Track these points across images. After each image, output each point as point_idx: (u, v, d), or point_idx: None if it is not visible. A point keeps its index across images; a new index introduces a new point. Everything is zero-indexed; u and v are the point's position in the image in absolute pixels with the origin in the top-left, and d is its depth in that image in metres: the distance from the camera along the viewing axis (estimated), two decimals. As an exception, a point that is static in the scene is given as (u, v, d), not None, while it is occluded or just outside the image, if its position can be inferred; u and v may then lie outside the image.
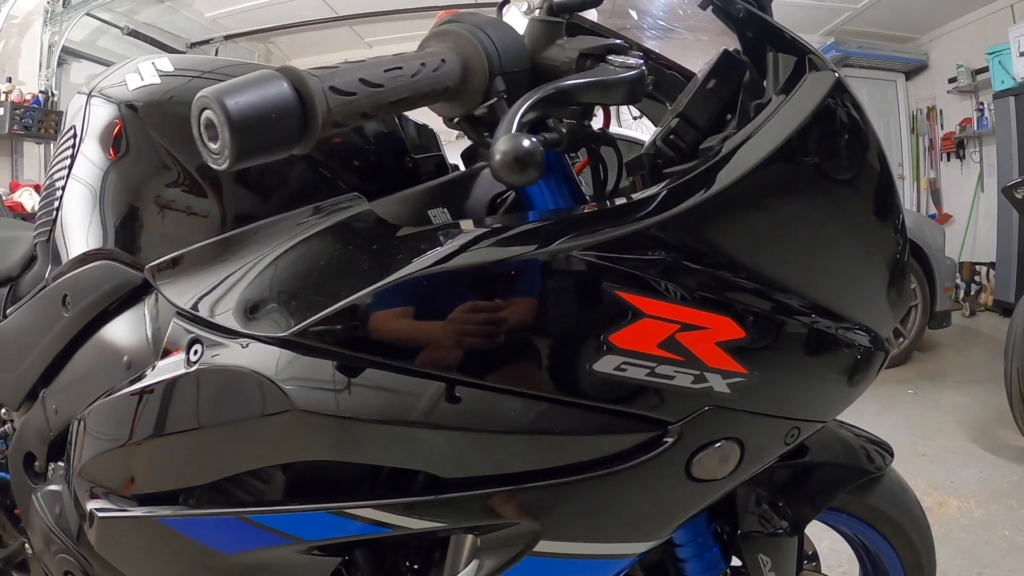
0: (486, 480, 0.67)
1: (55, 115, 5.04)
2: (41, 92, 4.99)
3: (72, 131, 1.01)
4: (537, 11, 0.73)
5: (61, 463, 1.09)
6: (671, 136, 0.77)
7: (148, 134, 0.89)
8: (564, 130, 0.72)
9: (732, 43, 0.82)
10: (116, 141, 0.93)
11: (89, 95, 0.98)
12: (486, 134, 0.73)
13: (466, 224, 0.69)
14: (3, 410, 1.30)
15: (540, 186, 0.76)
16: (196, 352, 0.73)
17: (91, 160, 0.96)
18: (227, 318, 0.72)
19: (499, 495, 0.67)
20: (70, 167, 0.99)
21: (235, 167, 0.57)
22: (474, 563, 0.71)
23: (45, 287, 1.04)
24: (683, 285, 0.63)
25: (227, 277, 0.76)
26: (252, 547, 0.74)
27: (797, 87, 0.72)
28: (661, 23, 1.07)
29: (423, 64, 0.64)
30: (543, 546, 0.69)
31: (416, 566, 0.83)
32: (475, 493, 0.67)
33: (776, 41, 0.78)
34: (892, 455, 1.07)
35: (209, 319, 0.73)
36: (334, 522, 0.70)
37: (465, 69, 0.66)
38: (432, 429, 0.65)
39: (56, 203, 1.02)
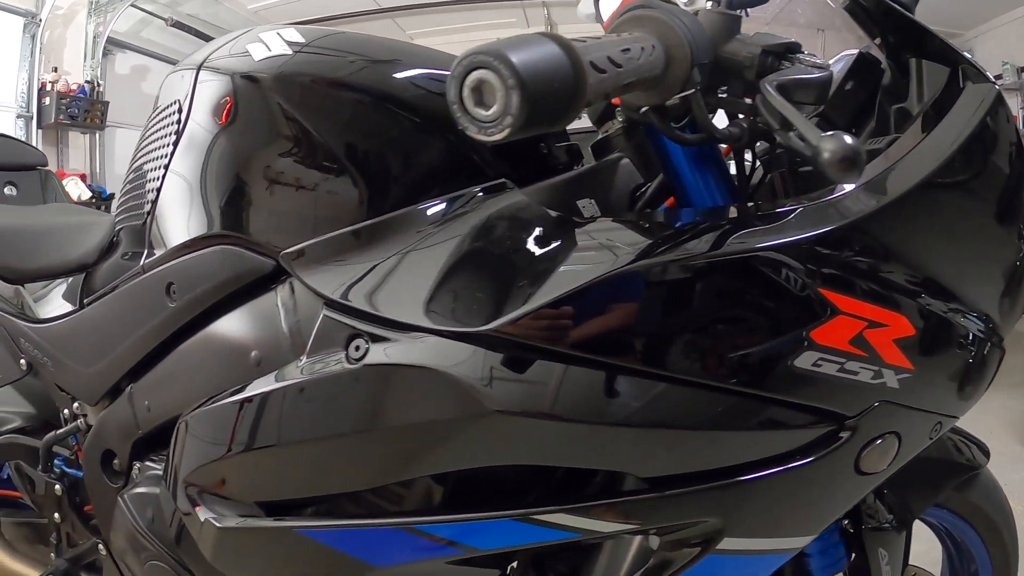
0: (677, 479, 0.66)
1: (101, 105, 5.04)
2: (87, 82, 5.00)
3: (174, 108, 0.93)
4: (709, 3, 0.73)
5: (151, 463, 1.02)
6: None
7: (280, 108, 0.81)
8: (745, 125, 0.71)
9: (853, 40, 0.83)
10: (236, 116, 0.84)
11: (198, 69, 0.90)
12: (673, 125, 0.72)
13: (654, 216, 0.73)
14: (75, 404, 1.24)
15: (703, 180, 0.77)
16: (358, 348, 0.68)
17: (203, 137, 0.88)
18: (398, 311, 0.67)
19: (690, 493, 0.66)
20: (174, 145, 0.91)
21: (512, 137, 0.52)
22: (654, 563, 0.70)
23: (141, 275, 0.97)
24: (871, 283, 0.64)
25: (383, 266, 0.71)
26: (410, 559, 0.70)
27: (957, 100, 0.72)
28: (787, 17, 1.02)
29: (642, 48, 0.61)
30: (724, 543, 0.68)
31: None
32: (669, 493, 0.66)
33: (922, 46, 0.77)
34: (988, 454, 1.10)
35: (373, 312, 0.68)
36: (518, 529, 0.66)
37: (668, 57, 0.64)
38: (634, 428, 0.63)
39: (155, 185, 0.94)
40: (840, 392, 0.64)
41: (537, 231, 0.69)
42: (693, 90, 0.67)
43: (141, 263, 0.96)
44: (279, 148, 0.81)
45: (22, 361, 1.33)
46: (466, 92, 0.53)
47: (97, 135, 5.27)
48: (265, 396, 0.75)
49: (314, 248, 0.75)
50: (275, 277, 0.80)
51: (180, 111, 0.92)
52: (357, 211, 0.77)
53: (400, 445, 0.69)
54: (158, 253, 0.93)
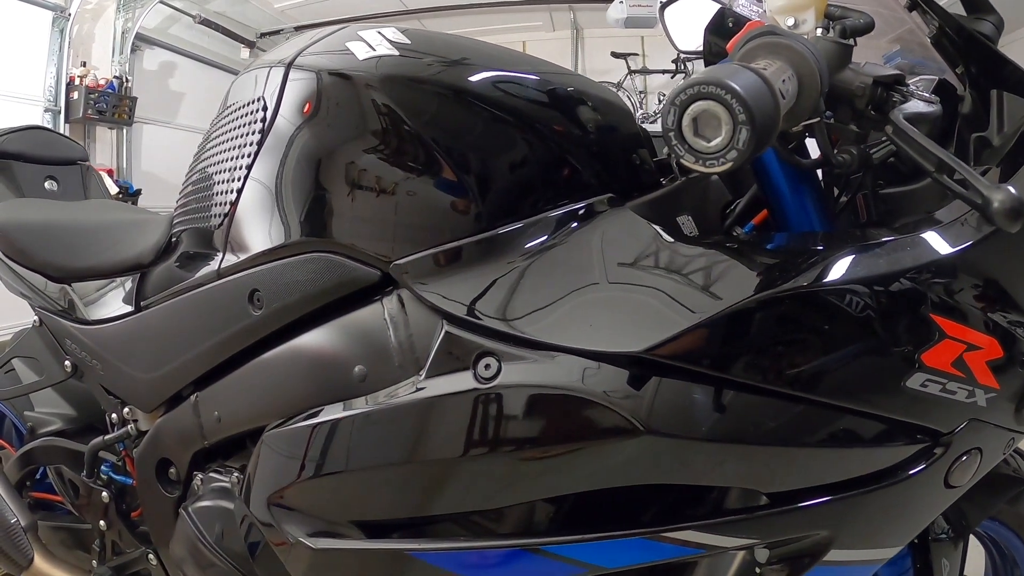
0: (796, 494, 0.68)
1: (129, 100, 5.02)
2: (116, 77, 4.98)
3: (256, 107, 0.88)
4: (819, 30, 0.74)
5: (216, 475, 0.98)
6: (890, 159, 0.82)
7: (391, 111, 0.77)
8: (855, 152, 0.74)
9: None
10: (339, 117, 0.80)
11: (288, 66, 0.85)
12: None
13: (772, 240, 0.75)
14: (126, 410, 1.19)
15: (801, 201, 0.79)
16: (488, 367, 0.66)
17: (296, 138, 0.83)
18: (531, 329, 0.66)
19: (808, 508, 0.68)
20: (259, 145, 0.86)
21: (736, 167, 0.55)
22: (769, 572, 0.70)
23: (216, 280, 0.92)
24: (971, 308, 0.67)
25: (505, 281, 0.70)
26: None
27: None
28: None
29: (785, 79, 0.62)
30: (830, 555, 0.70)
31: None
32: (790, 507, 0.68)
33: (1004, 77, 0.77)
34: None
35: (504, 330, 0.67)
36: (647, 547, 0.67)
37: (800, 86, 0.64)
38: (767, 447, 0.66)
39: (234, 186, 0.89)
40: (939, 410, 0.67)
41: (659, 250, 0.69)
42: (818, 119, 0.70)
43: (216, 268, 0.91)
44: (385, 156, 0.77)
45: (67, 363, 1.29)
46: (686, 121, 0.55)
47: (124, 130, 5.24)
48: (378, 413, 0.72)
49: (428, 260, 0.73)
50: (379, 288, 0.77)
51: (265, 109, 0.87)
52: (467, 223, 0.74)
53: (534, 466, 0.68)
54: (238, 258, 0.88)
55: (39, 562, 1.41)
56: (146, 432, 1.15)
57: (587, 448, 0.65)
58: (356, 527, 0.75)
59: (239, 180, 0.89)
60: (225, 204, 0.91)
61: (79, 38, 5.07)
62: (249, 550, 0.87)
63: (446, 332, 0.69)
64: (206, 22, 5.83)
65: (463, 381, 0.67)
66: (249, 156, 0.88)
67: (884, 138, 0.77)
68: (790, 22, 0.76)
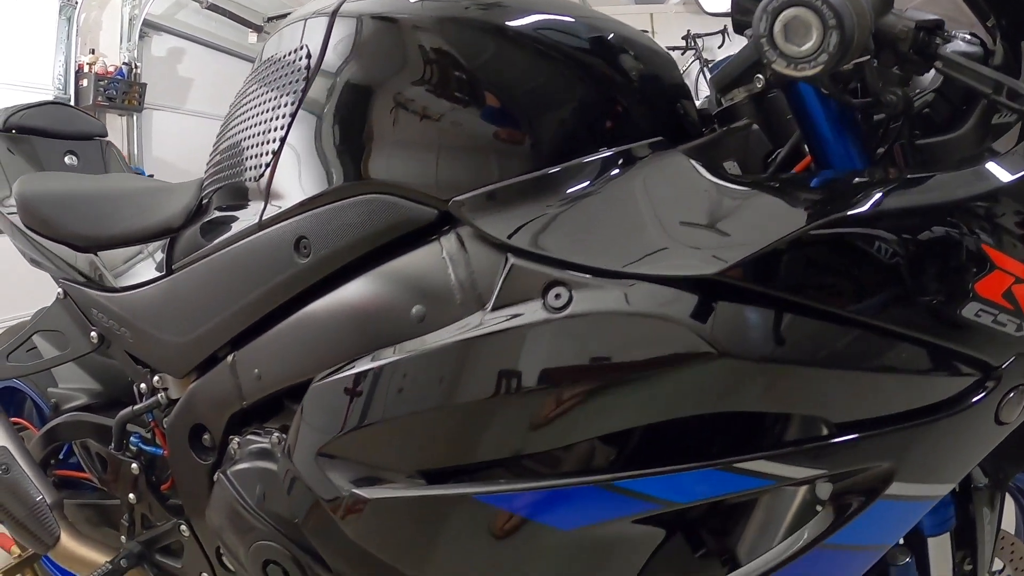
0: (861, 424, 0.68)
1: (138, 87, 5.00)
2: (125, 64, 4.95)
3: (300, 55, 0.87)
4: None
5: (254, 436, 0.95)
6: (925, 110, 0.84)
7: (443, 54, 0.77)
8: (900, 93, 0.75)
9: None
10: (390, 60, 0.80)
11: (334, 14, 0.85)
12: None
13: (823, 176, 0.76)
14: (156, 378, 1.17)
15: (844, 145, 0.80)
16: (559, 297, 0.66)
17: (345, 83, 0.83)
18: (601, 259, 0.66)
19: (873, 437, 0.67)
20: (303, 92, 0.85)
21: (822, 74, 0.60)
22: (828, 510, 0.70)
23: (257, 232, 0.90)
24: (1017, 241, 0.66)
25: (568, 215, 0.70)
26: (602, 519, 0.68)
27: None
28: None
29: None
30: (891, 488, 0.70)
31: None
32: (857, 436, 0.67)
33: None
34: None
35: (572, 260, 0.67)
36: (718, 479, 0.67)
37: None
38: (835, 371, 0.65)
39: (277, 135, 0.88)
40: (991, 343, 0.67)
41: (718, 184, 0.69)
42: (868, 56, 0.70)
43: (257, 220, 0.90)
44: (440, 95, 0.77)
45: (93, 334, 1.26)
46: (777, 27, 0.59)
47: (135, 117, 5.21)
48: (445, 350, 0.70)
49: (489, 196, 0.73)
50: (435, 227, 0.76)
51: (309, 57, 0.86)
52: (522, 161, 0.74)
53: (608, 396, 0.66)
54: (282, 207, 0.87)
55: (65, 540, 1.39)
56: (177, 400, 1.13)
57: (662, 374, 0.65)
58: (413, 475, 0.74)
59: (282, 129, 0.88)
60: (266, 155, 0.90)
61: (87, 25, 5.04)
62: (294, 510, 0.85)
63: (513, 264, 0.69)
64: (213, 7, 5.79)
65: (534, 311, 0.66)
66: (293, 104, 0.87)
67: (918, 91, 0.83)
68: None
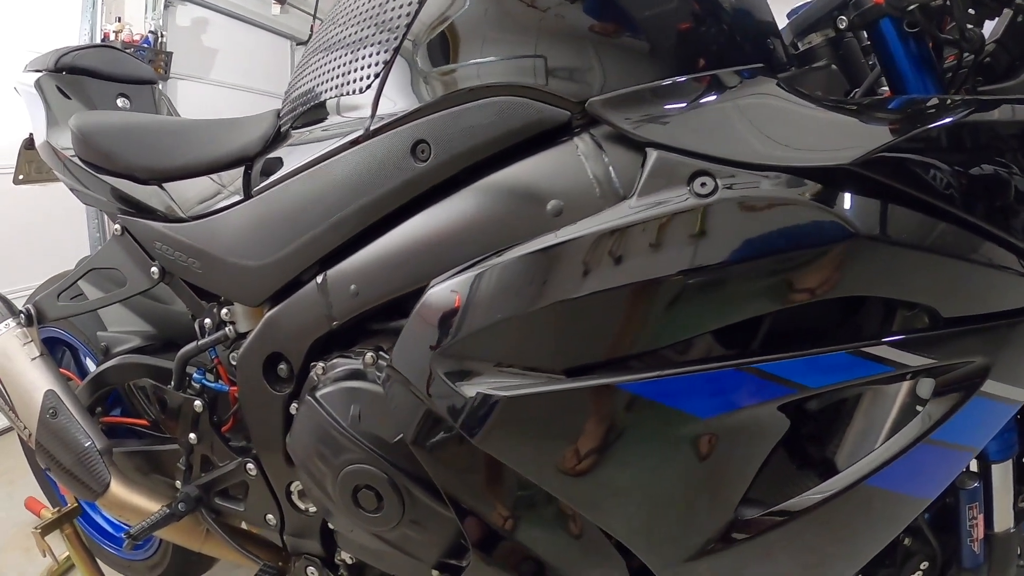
0: (966, 319, 0.71)
1: (165, 55, 4.95)
2: (151, 32, 4.90)
3: None
4: None
5: (342, 359, 0.92)
6: (986, 59, 0.92)
7: None
8: (977, 32, 0.84)
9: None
10: None
11: None
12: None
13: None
14: (224, 311, 1.13)
15: (923, 82, 0.87)
16: (704, 184, 0.68)
17: None
18: (741, 152, 0.69)
19: (976, 331, 0.70)
20: (419, 3, 0.86)
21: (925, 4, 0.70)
22: (930, 406, 0.73)
23: (363, 141, 0.87)
24: None
25: (703, 117, 0.72)
26: (741, 405, 0.71)
27: None
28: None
29: None
30: (985, 386, 0.72)
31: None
32: (965, 328, 0.70)
33: None
34: None
35: (717, 153, 0.69)
36: (848, 363, 0.70)
37: None
38: (951, 258, 0.68)
39: (390, 45, 0.87)
40: None
41: (825, 101, 0.73)
42: None
43: (363, 130, 0.88)
44: (574, 2, 0.79)
45: (153, 269, 1.22)
46: None
47: (161, 85, 5.18)
48: (595, 237, 0.71)
49: (625, 98, 0.74)
50: (565, 128, 0.78)
51: None
52: (648, 68, 0.76)
53: (752, 281, 0.68)
54: (396, 114, 0.86)
55: (115, 487, 1.35)
56: (246, 333, 1.09)
57: (803, 256, 0.67)
58: (548, 372, 0.73)
59: (396, 40, 0.87)
60: (376, 65, 0.89)
61: (112, -7, 5.00)
62: (398, 426, 0.82)
63: (658, 156, 0.71)
64: (237, -22, 5.75)
65: (681, 198, 0.69)
66: (408, 16, 0.87)
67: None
68: None
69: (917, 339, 0.70)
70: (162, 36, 4.98)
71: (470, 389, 0.74)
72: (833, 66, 1.00)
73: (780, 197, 0.67)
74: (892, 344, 0.70)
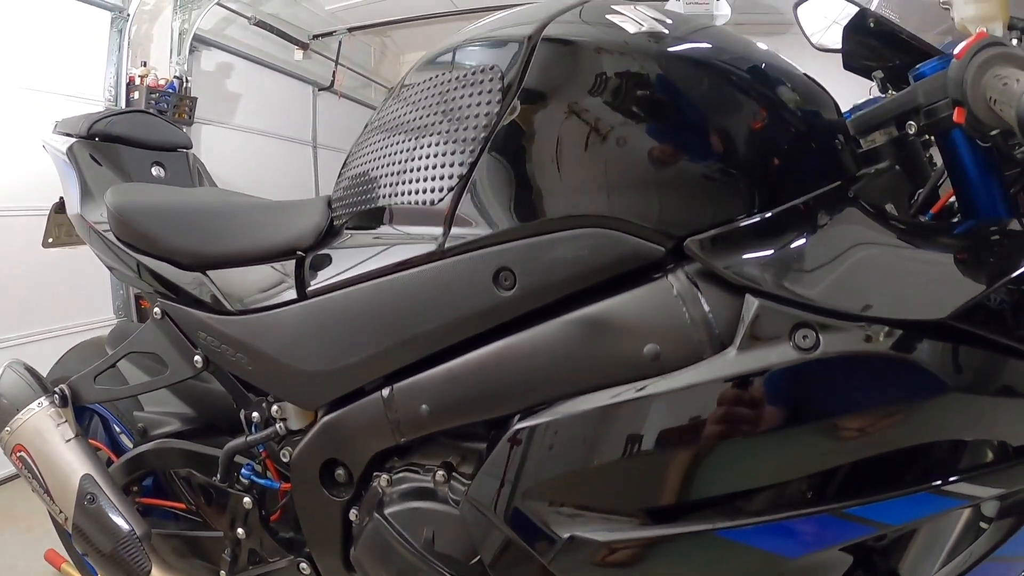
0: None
1: (189, 100, 4.97)
2: (176, 77, 4.93)
3: (491, 75, 0.83)
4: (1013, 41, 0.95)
5: (411, 474, 0.89)
6: None
7: (669, 87, 0.78)
8: None
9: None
10: (607, 92, 0.78)
11: (537, 35, 0.82)
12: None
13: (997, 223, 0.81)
14: (275, 408, 1.09)
15: (988, 189, 0.85)
16: (806, 338, 0.68)
17: (557, 111, 0.80)
18: (845, 302, 0.69)
19: None
20: (499, 116, 0.81)
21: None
22: (995, 526, 0.74)
23: (438, 260, 0.83)
24: None
25: (805, 258, 0.73)
26: (825, 545, 0.72)
27: None
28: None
29: None
30: None
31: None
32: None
33: None
34: None
35: (818, 303, 0.68)
36: (929, 501, 0.70)
37: None
38: None
39: (466, 159, 0.84)
40: None
41: (912, 235, 0.76)
42: None
43: (437, 247, 0.84)
44: (672, 132, 0.77)
45: (197, 358, 1.19)
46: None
47: (185, 131, 5.20)
48: (693, 389, 0.70)
49: (723, 237, 0.73)
50: (659, 265, 0.76)
51: (503, 79, 0.83)
52: (743, 203, 0.75)
53: (851, 430, 0.69)
54: (475, 235, 0.82)
55: (156, 573, 1.31)
56: (297, 431, 1.05)
57: (900, 409, 0.68)
58: (643, 514, 0.73)
59: (472, 153, 0.83)
60: (450, 178, 0.85)
61: (138, 38, 5.03)
62: (474, 548, 0.79)
63: (760, 304, 0.70)
64: (261, 24, 5.78)
65: (783, 352, 0.68)
66: (486, 128, 0.83)
67: None
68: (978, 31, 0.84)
69: (990, 473, 0.71)
70: (187, 81, 5.01)
71: (562, 530, 0.73)
72: (897, 167, 1.00)
73: (877, 353, 0.67)
74: (968, 479, 0.70)
